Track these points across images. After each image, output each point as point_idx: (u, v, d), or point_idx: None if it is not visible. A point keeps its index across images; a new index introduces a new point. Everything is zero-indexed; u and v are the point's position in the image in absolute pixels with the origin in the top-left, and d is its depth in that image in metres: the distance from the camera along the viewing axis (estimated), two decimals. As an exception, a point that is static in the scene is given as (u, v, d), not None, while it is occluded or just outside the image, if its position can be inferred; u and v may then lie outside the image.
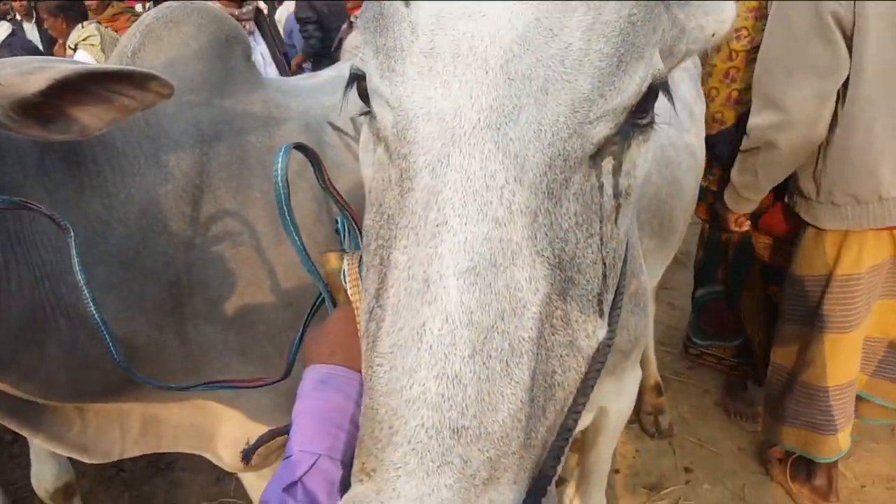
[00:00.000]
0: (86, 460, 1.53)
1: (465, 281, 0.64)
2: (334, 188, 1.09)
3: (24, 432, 1.40)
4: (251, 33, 4.71)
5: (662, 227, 1.86)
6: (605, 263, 0.76)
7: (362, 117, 0.86)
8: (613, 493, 2.95)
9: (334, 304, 1.08)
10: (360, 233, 1.17)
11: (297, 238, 1.02)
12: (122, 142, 1.36)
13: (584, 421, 1.79)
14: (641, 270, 1.60)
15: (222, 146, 1.49)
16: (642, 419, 3.28)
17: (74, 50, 3.99)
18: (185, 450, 1.73)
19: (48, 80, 1.06)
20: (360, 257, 0.97)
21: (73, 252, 1.07)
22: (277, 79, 2.08)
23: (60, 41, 4.42)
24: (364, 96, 0.83)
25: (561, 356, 0.71)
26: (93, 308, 1.08)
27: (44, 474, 2.48)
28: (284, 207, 0.97)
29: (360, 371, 0.85)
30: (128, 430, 1.56)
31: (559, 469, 0.73)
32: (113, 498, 2.99)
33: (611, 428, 1.87)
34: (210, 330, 1.48)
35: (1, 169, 1.17)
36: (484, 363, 0.63)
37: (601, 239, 0.76)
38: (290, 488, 0.84)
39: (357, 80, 0.84)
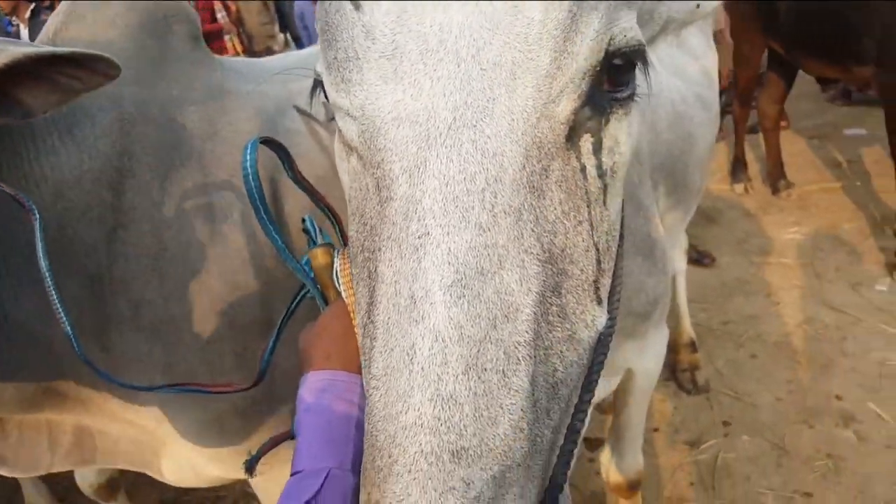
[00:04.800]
0: (7, 474, 1.42)
1: (452, 294, 0.61)
2: (306, 181, 1.02)
3: None
4: None
5: (677, 185, 1.85)
6: (598, 249, 0.72)
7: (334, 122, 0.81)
8: (653, 451, 2.98)
9: (326, 302, 1.01)
10: (339, 226, 1.10)
11: (275, 235, 0.94)
12: (39, 119, 1.23)
13: (611, 384, 1.82)
14: (658, 231, 1.61)
15: (150, 128, 1.35)
16: (679, 376, 3.29)
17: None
18: (124, 466, 1.61)
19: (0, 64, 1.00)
20: None
21: (39, 236, 1.00)
22: (239, 60, 1.92)
23: None
24: None
25: (561, 352, 0.68)
26: (55, 297, 1.01)
27: (86, 470, 2.40)
28: (259, 204, 0.92)
29: (359, 372, 0.81)
30: (58, 442, 1.46)
31: (568, 474, 0.70)
32: (159, 491, 3.03)
33: (639, 389, 1.89)
34: (134, 338, 1.34)
35: None
36: (479, 377, 0.60)
37: (591, 224, 0.72)
38: None
39: (321, 84, 0.80)
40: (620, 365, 1.71)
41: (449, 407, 0.59)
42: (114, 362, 1.33)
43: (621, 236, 0.83)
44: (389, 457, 0.60)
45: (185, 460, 1.56)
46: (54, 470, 1.49)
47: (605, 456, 2.16)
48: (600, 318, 0.73)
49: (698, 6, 0.96)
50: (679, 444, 3.01)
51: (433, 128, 0.66)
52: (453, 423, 0.58)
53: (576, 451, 0.70)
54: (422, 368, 0.60)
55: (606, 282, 0.75)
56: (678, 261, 3.22)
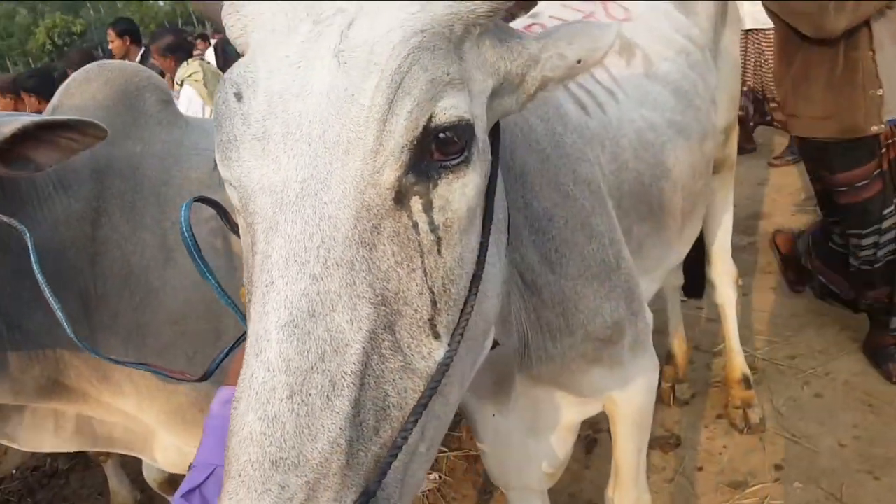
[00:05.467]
0: (18, 447, 1.78)
1: (284, 333, 0.73)
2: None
3: None
4: None
5: (652, 210, 1.78)
6: (433, 292, 0.83)
7: None
8: (693, 490, 2.82)
9: None
10: None
11: (210, 278, 1.12)
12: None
13: (587, 410, 1.76)
14: (619, 257, 1.56)
15: (116, 178, 1.69)
16: (730, 413, 3.09)
17: (181, 85, 4.45)
18: (121, 451, 1.91)
19: (12, 131, 1.33)
20: None
21: (32, 251, 1.26)
22: (209, 120, 2.29)
23: (168, 76, 4.95)
24: None
25: (394, 380, 0.79)
26: (49, 296, 1.25)
27: (152, 467, 2.74)
28: (195, 254, 1.07)
29: None
30: (62, 427, 1.79)
31: (395, 483, 0.79)
32: (219, 490, 3.29)
33: (624, 418, 1.80)
34: (114, 341, 1.64)
35: None
36: (303, 401, 0.71)
37: (425, 271, 0.82)
38: (188, 495, 0.97)
39: None
40: (587, 391, 1.65)
41: (272, 424, 0.70)
42: (101, 362, 1.61)
43: (476, 278, 0.90)
44: (231, 463, 0.72)
45: (170, 445, 1.84)
46: (58, 450, 1.89)
47: (609, 488, 2.08)
48: (438, 350, 0.83)
49: (579, 62, 0.99)
50: (722, 485, 2.82)
51: (285, 196, 0.79)
52: (275, 438, 0.70)
53: (396, 464, 0.78)
54: (255, 393, 0.72)
55: (445, 318, 0.85)
56: (726, 288, 3.05)
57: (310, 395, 0.71)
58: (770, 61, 5.58)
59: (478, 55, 0.93)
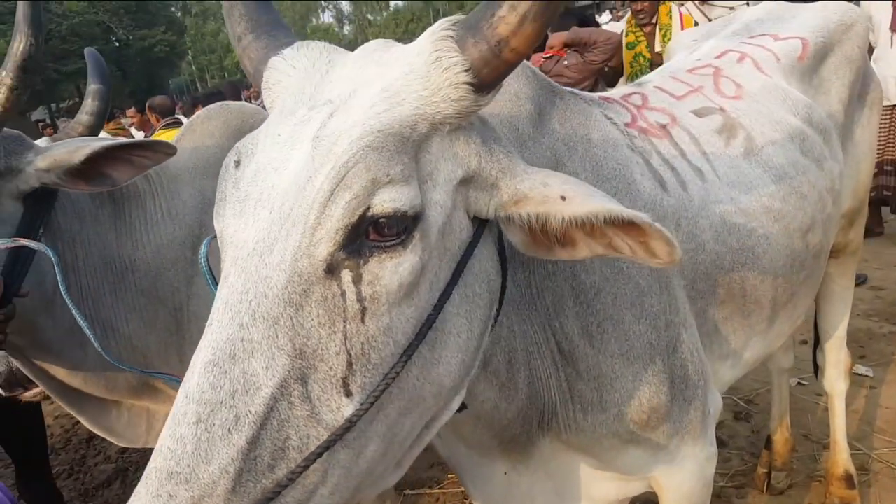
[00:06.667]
0: (115, 442, 1.98)
1: (205, 369, 0.86)
2: None
3: (73, 412, 1.86)
4: None
5: (733, 295, 1.70)
6: (349, 353, 0.90)
7: None
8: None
9: None
10: None
11: None
12: (150, 201, 1.82)
13: (628, 489, 1.72)
14: (674, 341, 1.53)
15: None
16: (825, 511, 2.86)
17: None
18: None
19: (86, 154, 1.57)
20: None
21: (57, 271, 1.40)
22: None
23: None
24: None
25: (298, 426, 0.87)
26: (74, 311, 1.40)
27: None
28: (211, 284, 1.18)
29: None
30: (153, 425, 1.98)
31: None
32: None
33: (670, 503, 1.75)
34: None
35: (63, 223, 1.67)
36: (206, 429, 0.83)
37: (345, 335, 0.90)
38: None
39: None
40: (623, 470, 1.62)
41: (177, 442, 0.83)
42: (184, 366, 1.81)
43: (412, 347, 0.95)
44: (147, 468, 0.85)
45: None
46: (150, 445, 2.03)
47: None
48: (347, 407, 0.91)
49: (563, 198, 0.99)
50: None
51: (241, 253, 0.92)
52: (176, 454, 0.82)
53: (293, 501, 0.87)
54: (173, 415, 0.85)
55: (360, 380, 0.92)
56: (836, 378, 2.82)
57: (213, 424, 0.83)
58: None
59: (448, 147, 1.01)
